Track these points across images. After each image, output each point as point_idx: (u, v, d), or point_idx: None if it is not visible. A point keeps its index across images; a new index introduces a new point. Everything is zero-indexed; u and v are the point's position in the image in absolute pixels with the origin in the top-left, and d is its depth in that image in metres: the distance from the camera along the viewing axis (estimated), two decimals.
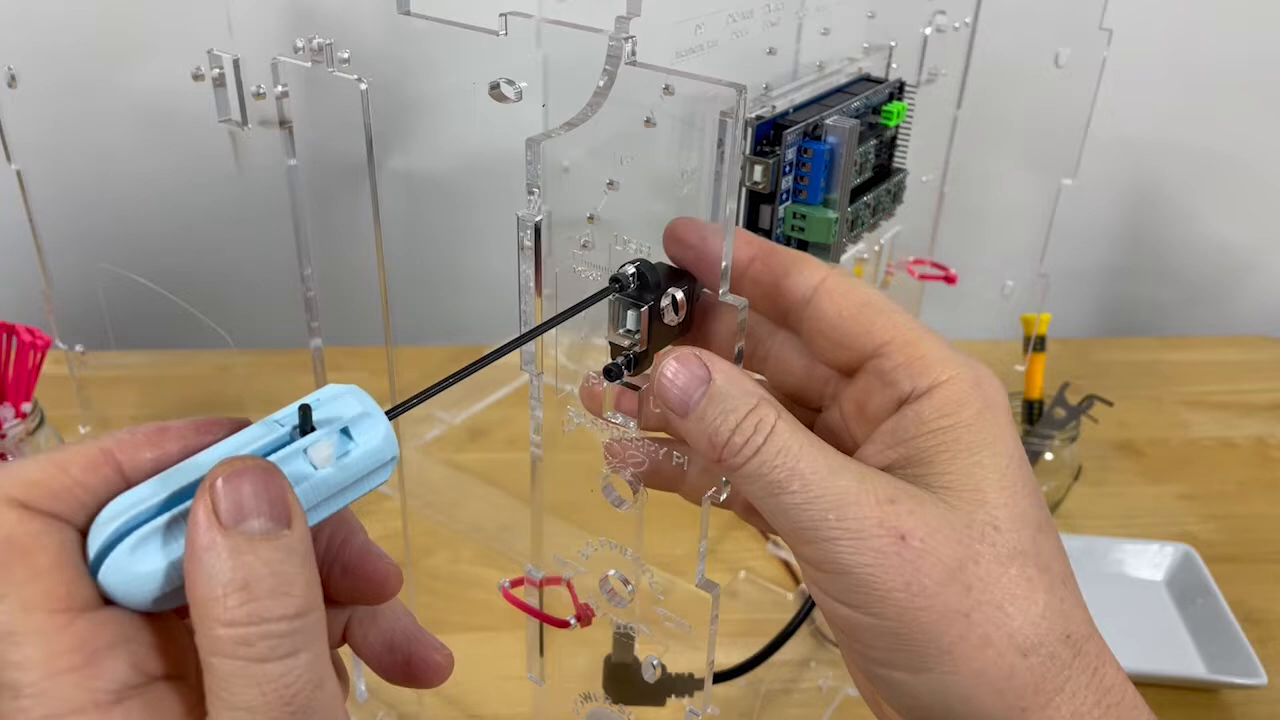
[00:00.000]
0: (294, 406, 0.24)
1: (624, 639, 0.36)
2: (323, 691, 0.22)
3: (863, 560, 0.26)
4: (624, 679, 0.37)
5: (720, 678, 0.46)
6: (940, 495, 0.27)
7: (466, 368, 0.28)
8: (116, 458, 0.23)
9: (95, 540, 0.22)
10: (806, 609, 0.42)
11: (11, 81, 0.49)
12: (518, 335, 0.31)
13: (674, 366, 0.28)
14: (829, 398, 0.33)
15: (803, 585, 0.65)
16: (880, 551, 0.26)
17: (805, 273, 0.31)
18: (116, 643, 0.21)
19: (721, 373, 0.28)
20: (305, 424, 0.24)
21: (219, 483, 0.21)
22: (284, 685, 0.21)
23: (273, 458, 0.23)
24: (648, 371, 0.31)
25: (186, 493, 0.22)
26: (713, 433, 0.27)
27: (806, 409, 0.34)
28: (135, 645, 0.22)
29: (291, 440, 0.23)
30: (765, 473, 0.27)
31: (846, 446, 0.30)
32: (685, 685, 0.36)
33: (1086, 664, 0.27)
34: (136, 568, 0.21)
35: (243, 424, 0.24)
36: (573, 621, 0.37)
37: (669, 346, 0.31)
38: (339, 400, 0.24)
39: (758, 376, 0.34)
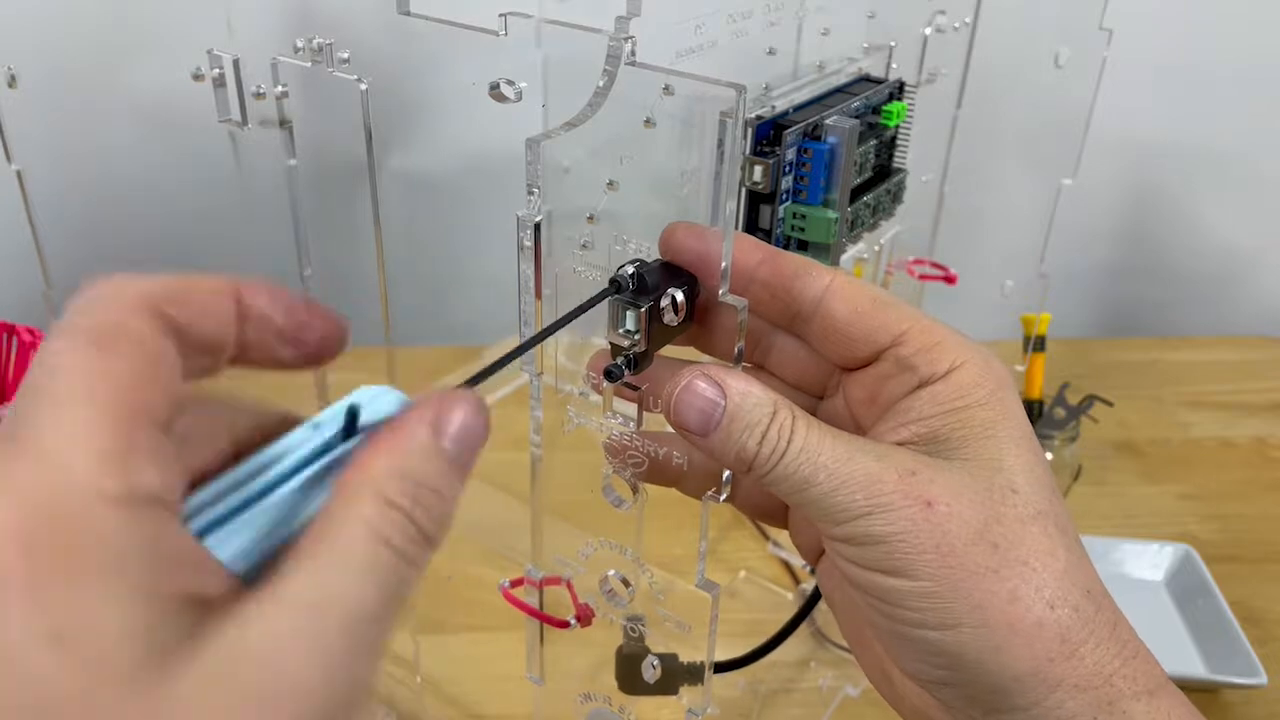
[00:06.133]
0: (339, 408, 0.24)
1: (634, 633, 0.36)
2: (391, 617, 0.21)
3: (894, 530, 0.27)
4: (636, 670, 0.37)
5: (723, 668, 0.46)
6: (958, 466, 0.29)
7: (495, 363, 0.28)
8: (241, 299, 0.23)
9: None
10: (810, 602, 0.42)
11: (11, 81, 0.49)
12: (518, 335, 0.31)
13: (689, 391, 0.29)
14: (831, 388, 0.34)
15: (803, 585, 0.65)
16: (910, 519, 0.27)
17: (813, 275, 0.31)
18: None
19: (735, 390, 0.28)
20: (351, 428, 0.24)
21: (448, 403, 0.23)
22: (393, 582, 0.21)
23: (326, 459, 0.23)
24: (647, 371, 0.31)
25: (259, 487, 0.22)
26: (740, 449, 0.28)
27: (807, 396, 0.34)
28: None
29: (336, 444, 0.24)
30: (791, 473, 0.28)
31: (851, 431, 0.31)
32: (698, 675, 0.36)
33: (1106, 619, 0.29)
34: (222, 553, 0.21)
35: (293, 419, 0.24)
36: (573, 621, 0.37)
37: (682, 363, 0.31)
38: (378, 400, 0.24)
39: (748, 365, 0.34)
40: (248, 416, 0.24)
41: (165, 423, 0.20)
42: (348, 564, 0.20)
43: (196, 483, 0.22)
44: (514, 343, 0.31)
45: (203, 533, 0.21)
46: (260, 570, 0.21)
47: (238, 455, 0.23)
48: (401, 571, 0.21)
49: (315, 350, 0.24)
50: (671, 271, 0.30)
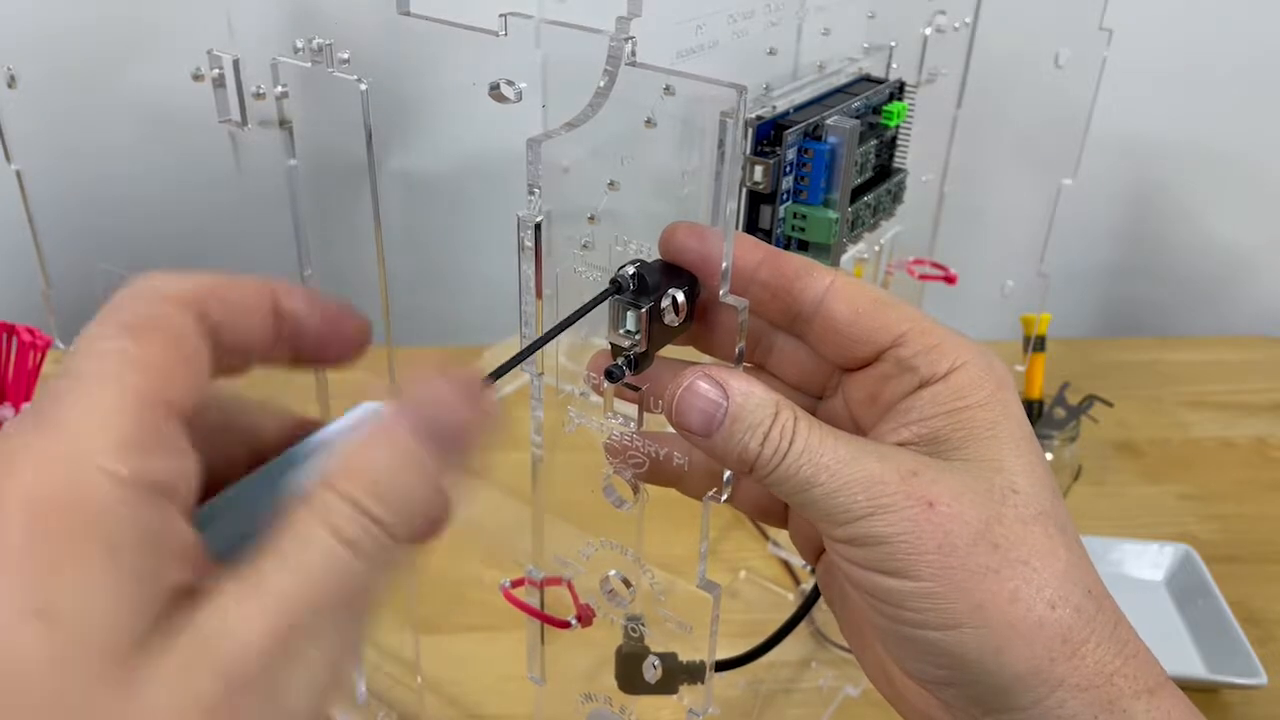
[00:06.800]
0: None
1: (633, 633, 0.36)
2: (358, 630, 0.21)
3: (897, 530, 0.27)
4: (636, 670, 0.36)
5: (722, 667, 0.46)
6: (959, 466, 0.29)
7: (499, 368, 0.28)
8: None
9: None
10: (810, 599, 0.42)
11: (11, 82, 0.49)
12: (519, 335, 0.31)
13: (691, 392, 0.29)
14: (831, 388, 0.34)
15: (803, 585, 0.65)
16: (912, 520, 0.27)
17: (814, 276, 0.31)
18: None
19: (737, 390, 0.28)
20: None
21: (422, 392, 0.22)
22: (346, 576, 0.20)
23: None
24: (648, 371, 0.31)
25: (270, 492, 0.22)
26: (741, 450, 0.28)
27: (807, 397, 0.34)
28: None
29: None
30: (793, 474, 0.28)
31: (851, 432, 0.31)
32: (698, 673, 0.36)
33: (1107, 618, 0.29)
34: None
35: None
36: (573, 622, 0.37)
37: (683, 363, 0.31)
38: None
39: (748, 365, 0.35)
40: (272, 420, 0.25)
41: (188, 416, 0.21)
42: (304, 560, 0.20)
43: (215, 481, 0.22)
44: (515, 343, 0.31)
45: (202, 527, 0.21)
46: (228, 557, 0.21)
47: (258, 458, 0.24)
48: (357, 567, 0.21)
49: (343, 350, 0.25)
50: (672, 272, 0.30)
